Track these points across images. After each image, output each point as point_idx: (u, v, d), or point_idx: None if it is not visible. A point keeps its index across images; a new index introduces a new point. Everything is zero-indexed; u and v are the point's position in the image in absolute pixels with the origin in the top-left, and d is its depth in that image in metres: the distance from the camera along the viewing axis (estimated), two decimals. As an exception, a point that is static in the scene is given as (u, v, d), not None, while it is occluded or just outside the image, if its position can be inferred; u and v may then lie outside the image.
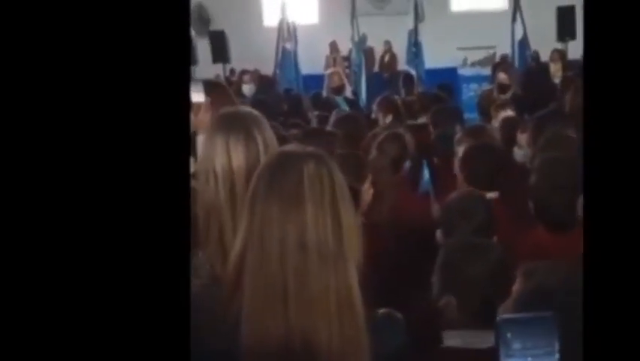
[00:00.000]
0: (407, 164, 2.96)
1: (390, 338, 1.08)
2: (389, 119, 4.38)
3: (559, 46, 10.16)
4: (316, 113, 4.99)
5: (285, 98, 5.83)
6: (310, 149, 1.11)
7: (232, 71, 9.57)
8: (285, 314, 1.01)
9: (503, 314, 0.90)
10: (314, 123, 4.41)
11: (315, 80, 9.02)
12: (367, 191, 2.37)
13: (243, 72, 7.40)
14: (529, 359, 0.78)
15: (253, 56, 9.76)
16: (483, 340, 1.44)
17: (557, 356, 0.79)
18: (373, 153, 2.83)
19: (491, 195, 2.42)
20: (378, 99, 4.96)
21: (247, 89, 6.93)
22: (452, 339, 1.53)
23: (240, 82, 7.17)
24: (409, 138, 3.12)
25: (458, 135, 3.39)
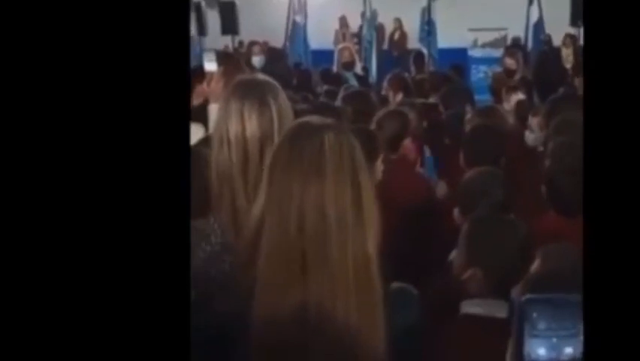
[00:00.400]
0: (407, 142, 2.91)
1: (404, 312, 1.08)
2: (399, 97, 4.34)
3: (571, 31, 10.06)
4: (325, 87, 4.96)
5: (295, 72, 5.78)
6: (330, 120, 1.10)
7: (241, 43, 9.48)
8: (302, 282, 1.01)
9: (522, 294, 0.89)
10: (323, 98, 4.38)
11: (324, 54, 8.94)
12: (379, 167, 2.35)
13: (253, 43, 7.32)
14: (554, 339, 0.78)
15: (262, 29, 9.65)
16: (500, 309, 1.47)
17: (582, 338, 0.78)
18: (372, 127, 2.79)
19: None
20: (388, 76, 4.91)
21: (257, 60, 6.86)
22: (470, 307, 1.54)
23: (249, 53, 7.10)
24: (412, 117, 3.08)
25: (469, 115, 3.37)
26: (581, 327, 0.79)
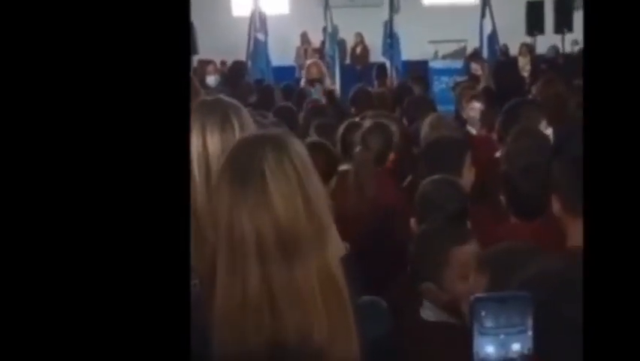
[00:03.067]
0: (392, 155, 2.92)
1: (374, 325, 1.06)
2: (364, 110, 4.35)
3: (528, 40, 10.31)
4: (285, 103, 4.94)
5: (256, 89, 5.74)
6: (269, 132, 1.04)
7: (200, 62, 9.41)
8: (269, 312, 0.96)
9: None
10: (282, 114, 4.36)
11: (286, 71, 8.94)
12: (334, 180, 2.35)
13: (206, 63, 7.25)
14: (502, 336, 0.78)
15: (223, 47, 9.61)
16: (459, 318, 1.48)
17: (530, 333, 0.79)
18: (358, 146, 2.79)
19: None
20: (352, 91, 4.93)
21: (211, 80, 6.81)
22: (429, 313, 1.56)
23: (203, 73, 7.02)
24: (394, 129, 3.10)
25: (427, 128, 3.37)
26: (529, 323, 0.79)
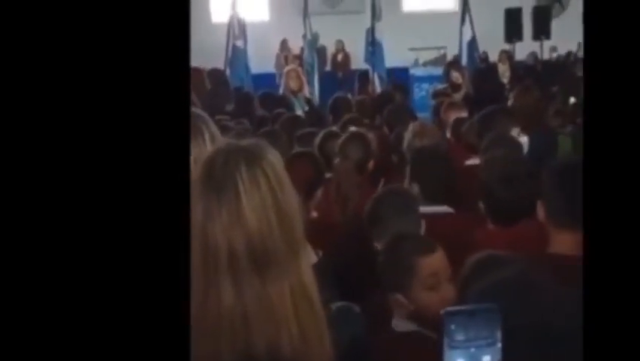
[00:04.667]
0: (371, 164, 2.91)
1: (347, 330, 1.06)
2: (343, 118, 4.32)
3: (506, 47, 10.40)
4: (263, 112, 4.89)
5: (234, 97, 5.69)
6: (244, 144, 1.02)
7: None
8: (243, 325, 0.94)
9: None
10: (261, 122, 4.31)
11: (265, 78, 8.89)
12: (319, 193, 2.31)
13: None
14: (472, 349, 0.79)
15: (201, 54, 9.52)
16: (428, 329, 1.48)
17: (499, 345, 0.79)
18: (337, 157, 2.77)
19: (445, 209, 2.41)
20: (331, 99, 4.90)
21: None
22: (402, 324, 1.57)
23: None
24: (371, 137, 3.09)
25: (409, 135, 3.35)
26: (498, 335, 0.79)
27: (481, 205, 2.16)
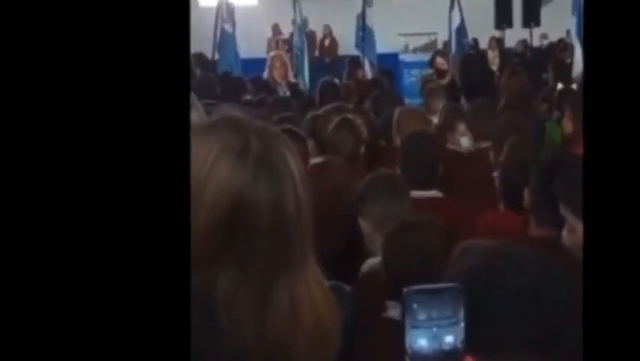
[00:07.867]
0: (362, 149, 2.90)
1: (339, 310, 1.03)
2: (331, 103, 4.31)
3: (497, 34, 10.40)
4: (250, 97, 4.87)
5: (223, 81, 5.65)
6: (255, 124, 0.97)
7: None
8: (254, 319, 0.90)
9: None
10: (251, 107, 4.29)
11: (255, 63, 8.83)
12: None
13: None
14: (435, 329, 0.77)
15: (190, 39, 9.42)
16: None
17: (462, 325, 0.77)
18: (326, 145, 2.75)
19: (434, 194, 2.42)
20: (319, 83, 4.88)
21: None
22: (392, 310, 1.56)
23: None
24: (360, 122, 3.08)
25: (397, 119, 3.36)
26: (461, 315, 0.78)
27: (497, 184, 2.17)
